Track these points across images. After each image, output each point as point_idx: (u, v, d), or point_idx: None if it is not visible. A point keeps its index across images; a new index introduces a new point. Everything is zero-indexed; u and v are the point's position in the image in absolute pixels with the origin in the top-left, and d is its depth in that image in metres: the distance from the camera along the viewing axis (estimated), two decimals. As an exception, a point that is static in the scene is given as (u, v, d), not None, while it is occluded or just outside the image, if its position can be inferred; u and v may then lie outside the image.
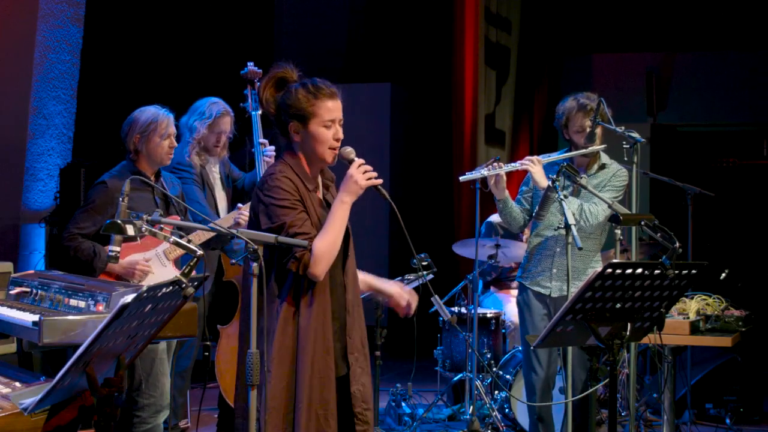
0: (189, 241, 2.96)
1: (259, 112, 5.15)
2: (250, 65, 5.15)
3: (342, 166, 3.26)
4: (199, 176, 5.07)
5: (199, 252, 2.84)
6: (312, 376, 3.13)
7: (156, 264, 4.23)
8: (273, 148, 5.12)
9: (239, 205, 4.68)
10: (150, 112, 4.31)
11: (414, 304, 3.46)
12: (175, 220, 4.15)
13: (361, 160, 3.19)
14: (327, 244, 3.08)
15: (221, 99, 5.15)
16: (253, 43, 8.94)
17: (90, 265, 4.11)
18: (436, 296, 5.29)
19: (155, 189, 4.31)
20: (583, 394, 4.26)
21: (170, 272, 4.25)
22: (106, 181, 4.23)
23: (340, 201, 3.14)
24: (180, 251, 4.26)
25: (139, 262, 4.15)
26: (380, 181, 3.18)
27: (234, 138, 5.27)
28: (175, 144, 4.35)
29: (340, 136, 3.21)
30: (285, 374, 3.12)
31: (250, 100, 5.15)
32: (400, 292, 3.47)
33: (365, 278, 3.45)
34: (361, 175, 3.14)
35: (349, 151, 3.22)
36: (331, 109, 3.19)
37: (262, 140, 5.11)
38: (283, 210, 3.08)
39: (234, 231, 3.01)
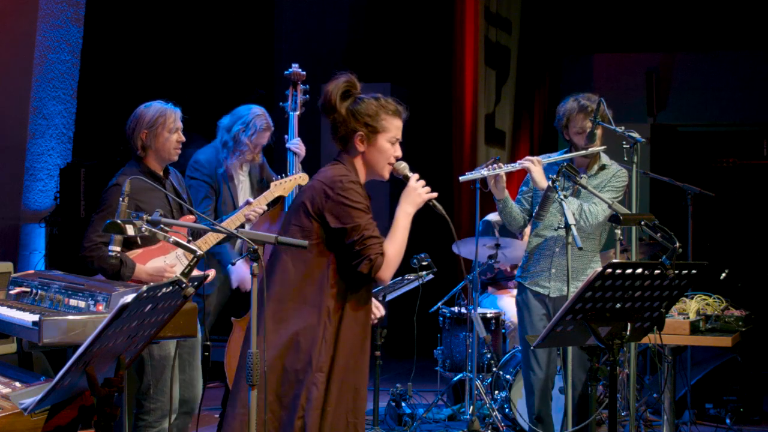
0: (189, 241, 2.96)
1: (298, 113, 5.21)
2: (295, 66, 5.20)
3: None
4: (214, 176, 5.03)
5: (199, 252, 2.84)
6: (349, 381, 3.19)
7: (178, 266, 4.19)
8: (299, 139, 5.15)
9: (249, 200, 4.63)
10: (156, 106, 4.23)
11: (378, 314, 3.54)
12: (187, 220, 4.13)
13: (417, 175, 3.31)
14: (396, 249, 3.20)
15: (264, 110, 5.14)
16: (253, 43, 8.94)
17: (117, 274, 4.00)
18: (477, 315, 5.33)
19: (167, 187, 4.28)
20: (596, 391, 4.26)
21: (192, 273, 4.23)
22: (118, 182, 4.15)
23: (405, 212, 3.25)
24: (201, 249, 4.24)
25: (166, 269, 4.08)
26: (436, 194, 3.32)
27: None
28: (183, 139, 4.27)
29: (399, 154, 3.33)
30: (328, 374, 3.17)
31: (290, 101, 5.20)
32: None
33: None
34: (423, 188, 3.28)
35: (404, 166, 3.33)
36: (399, 127, 3.34)
37: (295, 139, 5.15)
38: (358, 212, 3.16)
39: (234, 231, 3.01)
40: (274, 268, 3.22)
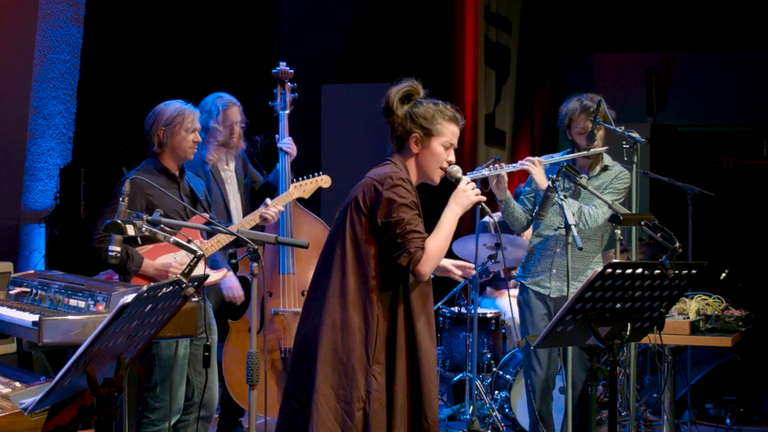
0: (189, 241, 2.96)
1: (287, 111, 5.19)
2: (282, 65, 5.18)
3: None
4: (204, 174, 5.04)
5: (200, 252, 2.84)
6: (413, 375, 3.22)
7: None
8: (290, 139, 5.14)
9: (267, 201, 4.63)
10: (176, 105, 4.30)
11: (467, 270, 3.57)
12: (198, 220, 4.14)
13: (468, 178, 3.38)
14: (438, 245, 3.25)
15: (225, 93, 5.14)
16: (253, 43, 8.93)
17: (123, 267, 4.03)
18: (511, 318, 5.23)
19: (181, 186, 4.30)
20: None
21: (200, 272, 4.22)
22: (133, 177, 4.17)
23: (452, 212, 3.33)
24: (211, 250, 4.25)
25: (172, 264, 4.10)
26: (485, 198, 3.39)
27: (260, 138, 5.28)
28: (199, 139, 4.32)
29: (453, 159, 3.39)
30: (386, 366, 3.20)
31: (279, 100, 5.18)
32: (451, 265, 3.58)
33: None
34: (472, 191, 3.35)
35: (457, 169, 3.39)
36: (455, 133, 3.39)
37: (286, 138, 5.13)
38: (404, 208, 3.20)
39: (234, 231, 3.01)
40: (326, 262, 3.27)
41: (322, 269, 3.28)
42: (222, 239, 4.30)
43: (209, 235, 4.27)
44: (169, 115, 4.24)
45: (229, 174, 5.18)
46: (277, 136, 5.22)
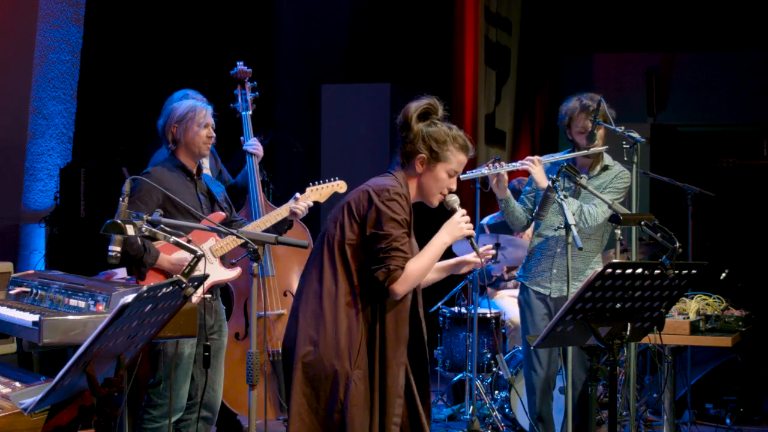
0: (189, 241, 2.96)
1: (249, 112, 5.11)
2: (240, 65, 5.09)
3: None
4: None
5: (199, 252, 2.84)
6: (386, 381, 3.21)
7: (202, 261, 4.18)
8: (256, 140, 5.07)
9: (297, 195, 4.60)
10: (188, 101, 4.35)
11: (484, 251, 3.51)
12: (216, 218, 4.15)
13: (463, 211, 3.37)
14: (418, 268, 3.22)
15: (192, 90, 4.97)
16: (253, 43, 8.94)
17: (139, 260, 4.04)
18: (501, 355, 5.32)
19: (198, 185, 4.32)
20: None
21: (216, 269, 4.23)
22: (150, 171, 4.23)
23: (441, 240, 3.31)
24: (227, 248, 4.26)
25: (188, 259, 4.10)
26: (474, 234, 3.38)
27: (224, 140, 5.22)
28: (213, 134, 4.33)
29: (453, 188, 3.37)
30: (366, 372, 3.19)
31: (240, 101, 5.09)
32: (466, 258, 3.57)
33: (440, 265, 3.55)
34: (465, 224, 3.33)
35: (455, 199, 3.37)
36: (461, 163, 3.36)
37: (251, 140, 5.06)
38: (395, 224, 3.18)
39: (234, 231, 3.01)
40: (315, 263, 3.26)
41: (311, 270, 3.27)
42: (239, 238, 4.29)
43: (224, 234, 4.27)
44: (181, 112, 4.28)
45: (207, 168, 5.14)
46: (242, 138, 5.09)
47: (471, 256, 3.52)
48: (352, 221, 3.21)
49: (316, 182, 4.75)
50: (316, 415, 3.16)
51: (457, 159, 3.33)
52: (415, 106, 3.35)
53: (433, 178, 3.32)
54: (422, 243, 3.34)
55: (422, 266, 3.23)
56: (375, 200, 3.19)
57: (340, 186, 4.78)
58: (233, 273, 4.34)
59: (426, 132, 3.32)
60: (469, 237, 3.33)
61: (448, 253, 3.43)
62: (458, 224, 3.32)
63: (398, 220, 3.19)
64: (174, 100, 4.82)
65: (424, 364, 3.39)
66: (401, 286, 3.18)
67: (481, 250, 3.45)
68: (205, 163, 5.09)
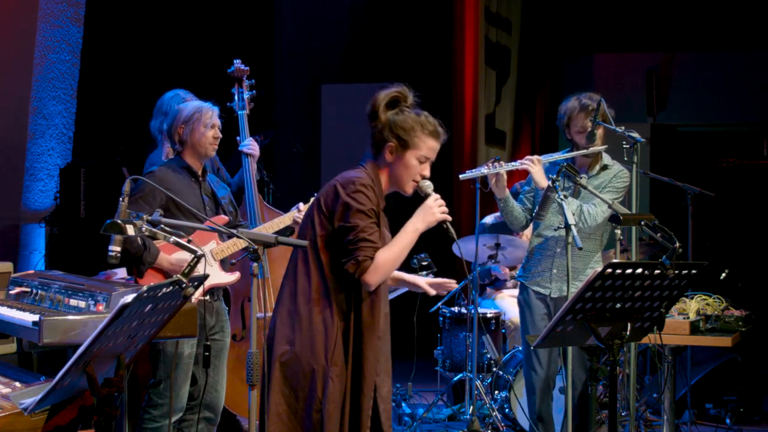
0: (189, 241, 2.96)
1: (246, 111, 5.08)
2: (237, 63, 5.05)
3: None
4: None
5: (199, 252, 2.84)
6: (366, 377, 3.21)
7: (201, 263, 4.17)
8: (252, 140, 5.05)
9: (299, 205, 4.59)
10: (194, 103, 4.35)
11: (441, 283, 3.59)
12: (220, 220, 4.15)
13: (438, 195, 3.31)
14: (389, 257, 3.18)
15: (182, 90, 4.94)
16: (253, 43, 8.93)
17: (138, 258, 4.04)
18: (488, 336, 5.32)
19: (203, 187, 4.32)
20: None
21: (216, 272, 4.23)
22: (154, 171, 4.23)
23: (414, 226, 3.25)
24: (227, 251, 4.26)
25: (188, 261, 4.09)
26: (450, 218, 3.30)
27: (222, 140, 5.20)
28: (220, 135, 4.33)
29: (427, 174, 3.33)
30: (344, 369, 3.18)
31: (237, 99, 5.06)
32: (425, 283, 3.62)
33: (397, 275, 3.56)
34: (438, 209, 3.27)
35: (428, 185, 3.32)
36: (432, 148, 3.32)
37: (247, 140, 5.03)
38: (361, 215, 3.15)
39: (234, 231, 3.01)
40: (292, 261, 3.26)
41: (288, 269, 3.27)
42: (239, 242, 4.29)
43: (228, 236, 4.27)
44: (187, 113, 4.28)
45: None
46: (237, 138, 5.04)
47: (423, 283, 3.53)
48: (322, 216, 3.20)
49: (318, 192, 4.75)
50: (296, 415, 3.15)
51: (427, 145, 3.28)
52: (383, 95, 3.31)
53: (404, 166, 3.28)
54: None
55: (393, 255, 3.19)
56: (341, 193, 3.17)
57: None
58: (232, 277, 4.33)
59: (393, 120, 3.28)
60: (444, 222, 3.27)
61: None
62: (431, 209, 3.27)
63: (364, 211, 3.15)
64: (165, 100, 4.82)
65: (388, 357, 3.38)
66: (372, 277, 3.15)
67: (441, 281, 3.49)
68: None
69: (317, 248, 3.19)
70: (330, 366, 3.13)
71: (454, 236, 3.29)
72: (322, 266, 3.18)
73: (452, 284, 3.57)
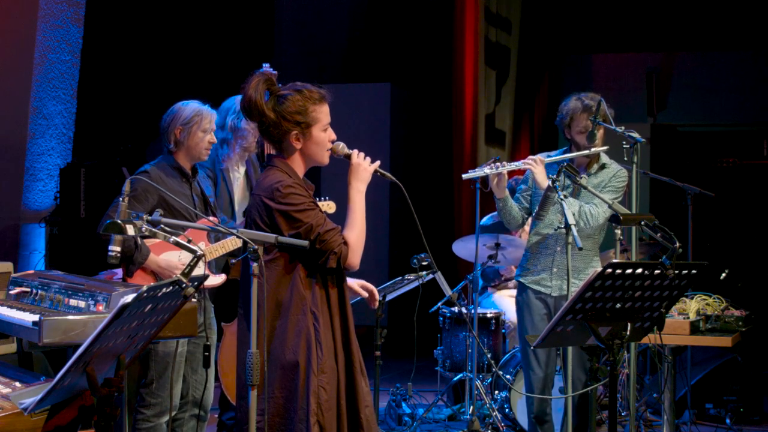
0: (189, 241, 2.96)
1: None
2: (266, 66, 5.09)
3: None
4: (214, 172, 4.98)
5: (200, 252, 2.84)
6: (352, 377, 3.24)
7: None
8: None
9: None
10: (194, 106, 4.32)
11: (375, 294, 3.65)
12: (208, 222, 4.14)
13: (357, 151, 3.31)
14: (357, 233, 3.21)
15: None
16: (253, 43, 8.94)
17: (129, 258, 4.03)
18: (441, 276, 5.33)
19: (193, 187, 4.32)
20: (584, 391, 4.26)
21: (200, 272, 4.22)
22: (148, 170, 4.21)
23: (357, 190, 3.26)
24: (215, 254, 4.26)
25: (177, 265, 4.11)
26: (379, 162, 3.33)
27: None
28: (214, 140, 4.34)
29: (334, 137, 3.31)
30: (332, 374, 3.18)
31: None
32: (361, 287, 3.65)
33: None
34: (365, 162, 3.29)
35: (342, 146, 3.32)
36: (327, 112, 3.30)
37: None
38: (306, 213, 3.14)
39: (234, 231, 3.01)
40: (248, 281, 3.17)
41: (247, 288, 3.19)
42: (227, 245, 4.29)
43: (216, 238, 4.28)
44: (187, 115, 4.26)
45: (238, 176, 5.14)
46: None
47: (363, 292, 3.57)
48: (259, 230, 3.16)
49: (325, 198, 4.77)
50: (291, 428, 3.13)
51: (323, 112, 3.26)
52: (255, 90, 3.19)
53: (314, 143, 3.25)
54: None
55: (358, 228, 3.21)
56: (271, 205, 3.14)
57: (329, 206, 4.78)
58: (218, 279, 4.35)
59: (282, 110, 3.21)
60: (377, 170, 3.29)
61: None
62: (361, 166, 3.28)
63: (304, 208, 3.14)
64: (226, 106, 4.87)
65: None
66: (354, 258, 3.17)
67: (370, 288, 3.54)
68: (241, 170, 5.05)
69: (276, 263, 3.16)
70: (318, 375, 3.12)
71: (393, 178, 3.32)
72: (285, 279, 3.16)
73: (374, 303, 3.61)
